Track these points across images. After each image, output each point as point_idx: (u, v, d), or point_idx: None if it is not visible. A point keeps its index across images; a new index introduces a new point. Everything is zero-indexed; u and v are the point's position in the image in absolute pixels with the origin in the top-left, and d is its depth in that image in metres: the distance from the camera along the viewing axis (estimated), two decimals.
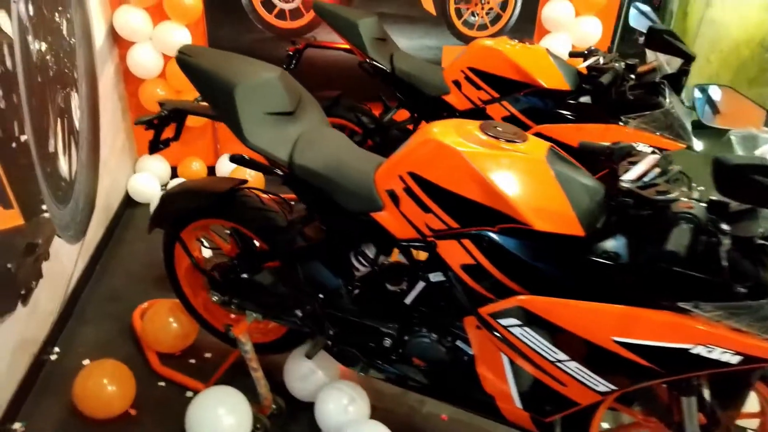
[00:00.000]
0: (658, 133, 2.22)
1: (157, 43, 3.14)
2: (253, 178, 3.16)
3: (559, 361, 1.31)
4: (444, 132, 1.40)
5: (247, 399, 1.78)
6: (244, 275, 1.80)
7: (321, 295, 1.68)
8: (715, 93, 1.85)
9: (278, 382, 1.98)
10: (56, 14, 2.37)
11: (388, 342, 1.62)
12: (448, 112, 2.60)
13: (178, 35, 3.13)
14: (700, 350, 1.16)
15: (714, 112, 1.84)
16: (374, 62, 2.57)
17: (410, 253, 1.55)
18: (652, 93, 2.29)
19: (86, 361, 2.14)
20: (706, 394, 1.36)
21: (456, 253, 1.38)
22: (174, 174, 3.60)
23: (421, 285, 1.54)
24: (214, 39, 3.27)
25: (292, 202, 1.88)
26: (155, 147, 1.81)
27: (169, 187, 3.33)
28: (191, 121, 3.25)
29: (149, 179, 3.37)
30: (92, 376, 1.87)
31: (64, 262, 2.34)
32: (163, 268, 2.03)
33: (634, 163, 1.34)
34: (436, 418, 1.98)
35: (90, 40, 2.78)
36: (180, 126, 1.84)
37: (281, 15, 3.26)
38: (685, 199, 1.12)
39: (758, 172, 0.97)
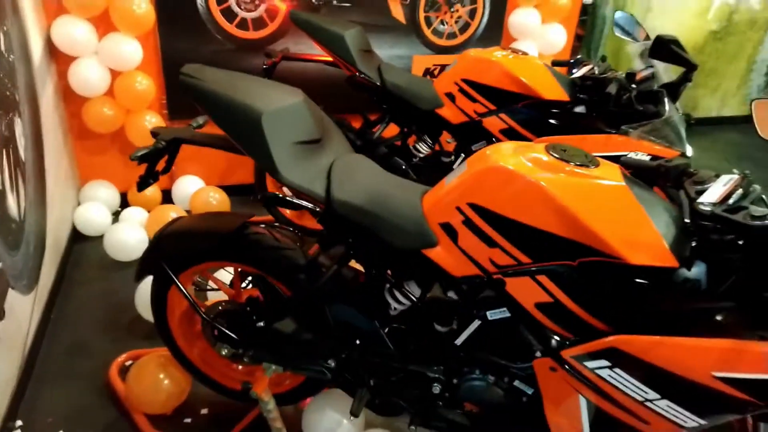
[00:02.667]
0: (657, 142, 2.22)
1: (103, 58, 2.79)
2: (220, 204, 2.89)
3: (649, 400, 1.22)
4: (506, 157, 1.27)
5: None
6: (260, 323, 1.57)
7: (358, 341, 1.49)
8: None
9: None
10: None
11: (437, 388, 1.47)
12: (441, 126, 2.48)
13: (129, 49, 2.80)
14: None
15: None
16: (364, 76, 2.40)
17: (463, 291, 1.41)
18: (648, 101, 2.28)
19: None
20: None
21: (530, 291, 1.25)
22: (124, 201, 3.23)
23: (476, 324, 1.40)
24: (168, 52, 2.96)
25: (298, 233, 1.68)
26: (145, 183, 1.55)
27: (123, 216, 2.98)
28: (142, 142, 2.93)
29: (97, 209, 2.99)
30: None
31: (20, 317, 1.99)
32: (132, 310, 1.75)
33: (699, 183, 1.27)
34: None
35: (28, 56, 2.42)
36: (173, 156, 1.60)
37: (243, 25, 3.00)
38: None
39: None
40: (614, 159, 2.35)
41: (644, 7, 4.81)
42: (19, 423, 1.86)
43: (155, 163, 1.53)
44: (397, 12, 3.22)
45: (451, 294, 1.43)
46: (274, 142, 1.29)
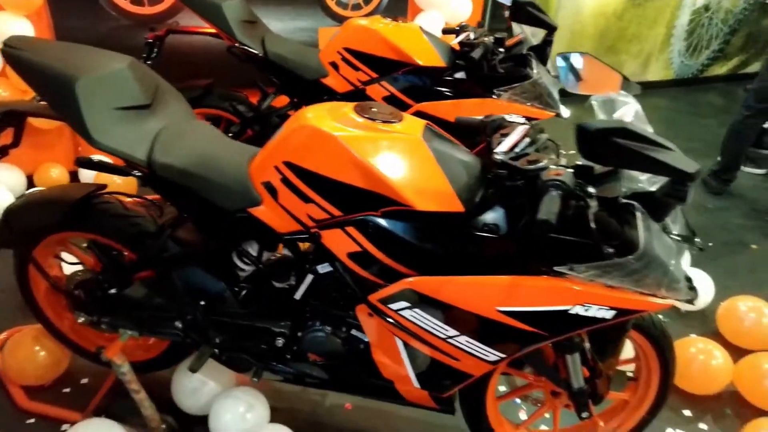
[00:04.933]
0: (528, 104, 2.31)
1: None
2: (123, 180, 2.89)
3: (450, 337, 1.32)
4: (318, 116, 1.33)
5: (123, 427, 1.62)
6: (113, 290, 1.62)
7: (202, 302, 1.56)
8: (576, 61, 1.94)
9: (168, 399, 1.84)
10: None
11: (281, 341, 1.55)
12: (328, 95, 2.53)
13: (17, 27, 2.76)
14: (578, 310, 1.21)
15: (576, 79, 1.94)
16: (244, 47, 2.42)
17: (296, 247, 1.48)
18: (520, 65, 2.37)
19: None
20: (587, 348, 1.44)
21: (341, 242, 1.33)
22: (30, 184, 3.21)
23: (309, 278, 1.48)
24: (62, 30, 2.92)
25: (162, 204, 1.72)
26: None
27: None
28: (44, 122, 2.90)
29: (1, 192, 2.97)
30: None
31: None
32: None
33: (506, 135, 1.36)
34: (340, 408, 1.94)
35: None
36: (19, 130, 1.61)
37: (138, 0, 2.98)
38: (554, 167, 1.15)
39: (618, 135, 1.01)
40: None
41: None
42: None
43: None
44: None
45: (285, 252, 1.51)
46: (90, 107, 1.32)
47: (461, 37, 2.50)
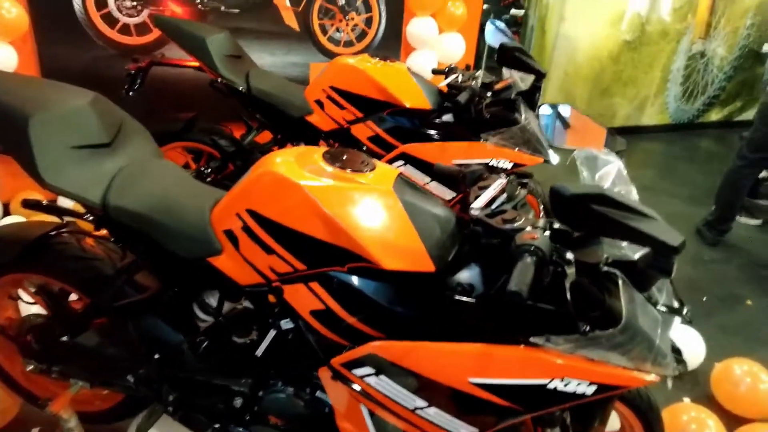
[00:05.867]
0: (516, 149, 2.25)
1: None
2: None
3: (419, 408, 1.21)
4: (284, 163, 1.25)
5: None
6: (64, 338, 1.51)
7: (157, 355, 1.45)
8: (561, 113, 1.88)
9: None
10: None
11: (239, 401, 1.43)
12: (312, 132, 2.47)
13: (1, 54, 2.71)
14: (556, 384, 1.11)
15: (560, 132, 1.87)
16: (227, 81, 2.37)
17: (258, 300, 1.38)
18: (508, 109, 2.32)
19: None
20: (568, 422, 1.33)
21: (304, 298, 1.23)
22: (6, 212, 3.11)
23: (272, 334, 1.37)
24: (47, 58, 2.88)
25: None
26: None
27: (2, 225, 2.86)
28: None
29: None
30: None
31: None
32: None
33: (484, 188, 1.28)
34: None
35: None
36: None
37: (125, 30, 2.94)
38: (530, 228, 1.07)
39: (595, 201, 0.93)
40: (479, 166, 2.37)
41: (558, 16, 4.93)
42: None
43: None
44: (290, 19, 3.21)
45: (247, 304, 1.41)
46: (42, 146, 1.24)
47: (449, 79, 2.45)
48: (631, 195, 1.14)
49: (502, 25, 2.61)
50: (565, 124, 1.88)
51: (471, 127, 2.33)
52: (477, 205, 1.21)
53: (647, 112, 5.85)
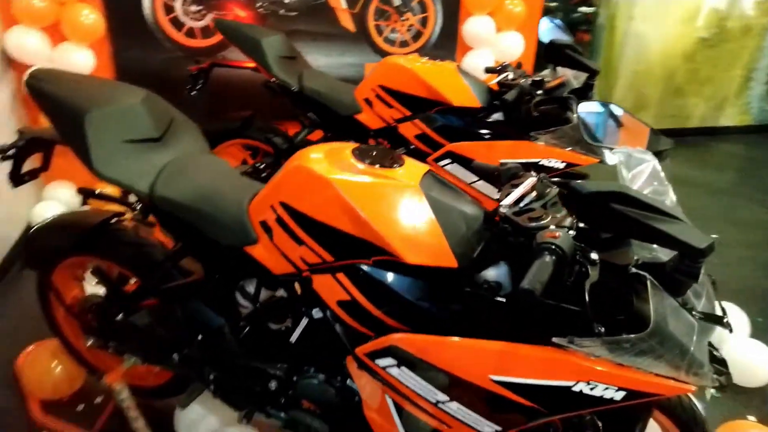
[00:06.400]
0: (568, 149, 2.19)
1: (58, 66, 2.94)
2: None
3: (440, 402, 1.21)
4: (315, 158, 1.29)
5: None
6: (119, 316, 1.63)
7: (200, 337, 1.53)
8: (602, 110, 1.81)
9: (172, 429, 1.81)
10: None
11: (274, 384, 1.49)
12: (360, 131, 2.51)
13: (80, 57, 2.94)
14: (581, 387, 1.08)
15: (600, 130, 1.80)
16: (279, 81, 2.46)
17: (292, 289, 1.43)
18: (560, 108, 2.26)
19: None
20: (600, 429, 1.28)
21: (331, 288, 1.27)
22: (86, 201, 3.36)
23: (305, 322, 1.42)
24: (121, 60, 3.10)
25: None
26: (17, 179, 1.63)
27: None
28: None
29: (55, 208, 3.13)
30: None
31: None
32: None
33: (516, 186, 1.26)
34: None
35: None
36: (48, 155, 1.68)
37: (191, 33, 3.12)
38: (554, 228, 1.04)
39: (614, 200, 0.90)
40: (528, 166, 2.35)
41: (627, 14, 4.73)
42: None
43: (20, 161, 1.60)
44: (346, 21, 3.28)
45: (282, 293, 1.46)
46: (96, 139, 1.35)
47: (501, 77, 2.42)
48: (668, 196, 1.09)
49: (558, 22, 2.54)
50: (617, 122, 1.81)
51: (521, 125, 2.29)
52: (506, 202, 1.19)
53: (727, 113, 5.48)
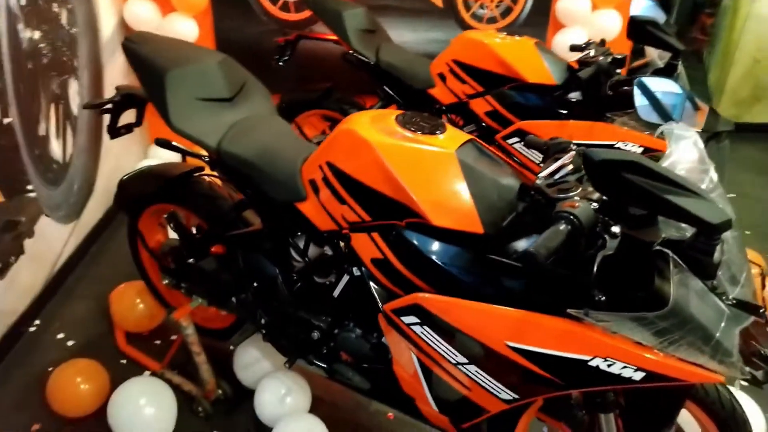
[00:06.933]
0: (646, 132, 2.08)
1: (165, 34, 3.23)
2: None
3: (460, 363, 1.25)
4: (361, 123, 1.36)
5: (171, 389, 1.80)
6: (190, 260, 1.82)
7: (255, 284, 1.67)
8: (659, 86, 1.70)
9: (231, 369, 2.00)
10: (54, 4, 2.48)
11: (316, 335, 1.60)
12: (433, 105, 2.54)
13: (185, 26, 3.21)
14: (598, 363, 1.07)
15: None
16: (357, 54, 2.54)
17: (336, 245, 1.52)
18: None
19: (60, 335, 2.25)
20: (628, 413, 1.26)
21: (367, 247, 1.34)
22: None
23: (346, 278, 1.51)
24: (221, 31, 3.34)
25: None
26: (114, 132, 1.84)
27: None
28: None
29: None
30: (63, 376, 1.87)
31: (52, 240, 2.45)
32: None
33: (558, 160, 1.26)
34: (383, 416, 1.94)
35: (95, 30, 2.90)
36: (141, 111, 1.88)
37: (285, 7, 3.28)
38: (577, 198, 1.03)
39: (626, 169, 0.88)
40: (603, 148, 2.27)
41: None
42: (37, 322, 2.31)
43: (117, 116, 1.81)
44: None
45: (327, 249, 1.55)
46: (174, 96, 1.50)
47: (582, 55, 2.33)
48: (707, 174, 1.03)
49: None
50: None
51: (598, 106, 2.21)
52: (542, 174, 1.19)
53: None
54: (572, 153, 1.22)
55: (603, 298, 0.99)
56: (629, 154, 0.89)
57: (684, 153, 1.04)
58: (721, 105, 4.60)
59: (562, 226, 0.96)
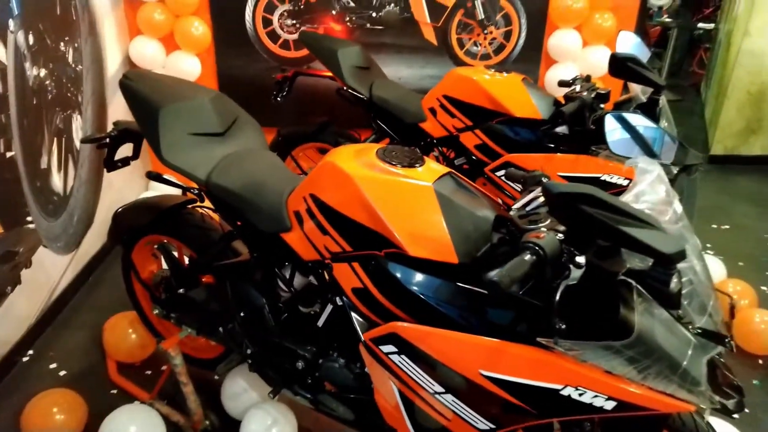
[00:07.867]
0: (630, 165, 2.11)
1: (169, 72, 3.34)
2: None
3: (438, 393, 1.26)
4: (343, 156, 1.41)
5: (160, 416, 1.81)
6: (180, 290, 1.85)
7: (242, 313, 1.70)
8: (630, 121, 1.74)
9: (219, 400, 2.01)
10: (61, 43, 2.59)
11: (300, 364, 1.61)
12: (424, 139, 2.60)
13: (189, 64, 3.32)
14: (570, 392, 1.09)
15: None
16: (351, 89, 2.62)
17: (320, 275, 1.55)
18: None
19: (53, 365, 2.26)
20: None
21: (348, 276, 1.37)
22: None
23: (329, 308, 1.53)
24: (223, 68, 3.45)
25: None
26: (111, 165, 1.90)
27: None
28: None
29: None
30: (39, 406, 1.89)
31: (50, 271, 2.49)
32: None
33: (531, 191, 1.30)
34: None
35: (101, 67, 3.01)
36: (138, 146, 1.95)
37: (285, 45, 3.39)
38: (544, 229, 1.07)
39: (583, 201, 0.91)
40: (589, 181, 2.33)
41: (742, 30, 4.38)
42: (30, 352, 2.34)
43: (114, 150, 1.87)
44: (429, 34, 3.39)
45: (312, 279, 1.58)
46: (166, 131, 1.56)
47: (569, 90, 2.39)
48: (670, 206, 1.07)
49: (634, 36, 2.45)
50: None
51: (583, 139, 2.26)
52: (515, 206, 1.23)
53: None
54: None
55: (563, 327, 1.01)
56: (585, 187, 0.92)
57: (649, 186, 1.07)
58: (716, 137, 4.65)
59: (527, 256, 0.99)
